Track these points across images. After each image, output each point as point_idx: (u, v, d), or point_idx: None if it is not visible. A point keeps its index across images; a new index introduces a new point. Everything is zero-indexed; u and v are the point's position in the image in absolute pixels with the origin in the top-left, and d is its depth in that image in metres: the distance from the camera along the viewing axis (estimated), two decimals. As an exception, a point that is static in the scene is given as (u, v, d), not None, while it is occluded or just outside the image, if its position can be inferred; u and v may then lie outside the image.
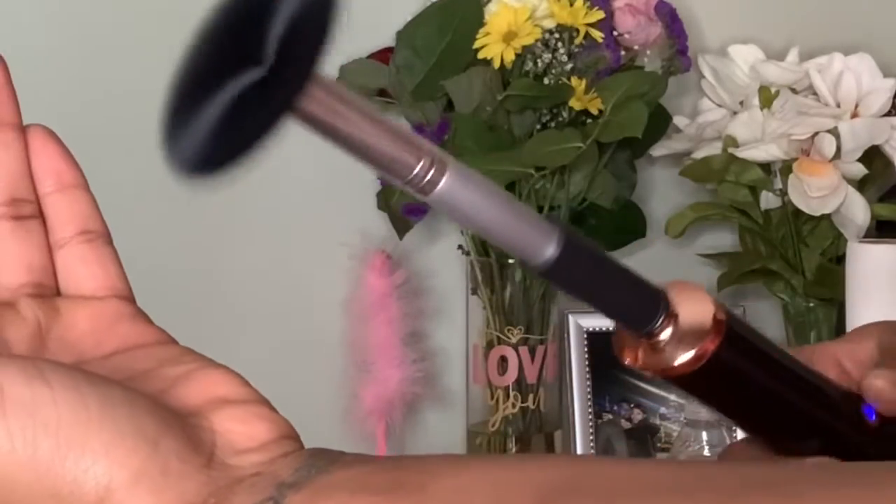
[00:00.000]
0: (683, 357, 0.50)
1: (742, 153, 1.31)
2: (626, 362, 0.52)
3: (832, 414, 0.54)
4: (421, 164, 0.44)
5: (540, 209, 1.31)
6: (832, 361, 0.56)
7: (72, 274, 0.48)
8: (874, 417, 0.55)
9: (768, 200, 1.35)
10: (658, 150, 1.40)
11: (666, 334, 0.51)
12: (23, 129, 0.48)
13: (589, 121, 1.28)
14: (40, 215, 0.48)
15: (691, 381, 0.51)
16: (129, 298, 0.50)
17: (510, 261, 1.32)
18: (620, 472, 0.40)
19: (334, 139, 0.45)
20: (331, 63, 1.35)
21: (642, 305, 0.51)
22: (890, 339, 0.58)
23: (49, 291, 0.48)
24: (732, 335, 0.51)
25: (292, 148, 1.44)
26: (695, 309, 0.51)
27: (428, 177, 0.44)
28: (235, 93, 0.39)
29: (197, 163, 0.39)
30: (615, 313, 0.51)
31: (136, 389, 0.41)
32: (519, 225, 0.46)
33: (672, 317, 0.51)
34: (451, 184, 0.45)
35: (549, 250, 0.47)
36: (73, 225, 0.48)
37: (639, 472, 0.39)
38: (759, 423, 0.55)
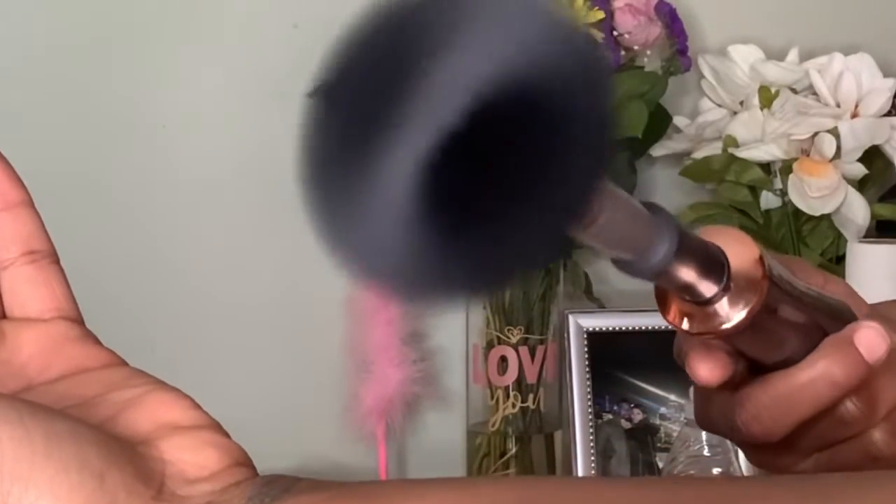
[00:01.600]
0: (738, 315, 0.50)
1: (742, 153, 1.31)
2: (677, 325, 0.51)
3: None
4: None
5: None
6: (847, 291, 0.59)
7: (17, 295, 0.47)
8: None
9: (768, 200, 1.35)
10: (658, 150, 1.40)
11: (722, 299, 0.50)
12: None
13: (589, 121, 1.28)
14: None
15: (736, 336, 0.51)
16: (77, 319, 0.48)
17: (510, 261, 1.32)
18: (576, 494, 0.39)
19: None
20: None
21: (713, 276, 0.50)
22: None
23: None
24: (773, 283, 0.51)
25: (292, 148, 1.44)
26: (743, 262, 0.51)
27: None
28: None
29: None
30: (691, 289, 0.50)
31: (83, 419, 0.39)
32: (643, 221, 0.45)
33: (729, 281, 0.50)
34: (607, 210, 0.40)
35: (658, 254, 0.46)
36: (18, 245, 0.47)
37: (595, 494, 0.38)
38: (789, 358, 0.55)
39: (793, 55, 1.39)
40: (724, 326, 0.50)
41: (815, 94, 1.35)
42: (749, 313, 0.50)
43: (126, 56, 1.35)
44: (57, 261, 0.48)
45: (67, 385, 0.44)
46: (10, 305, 0.47)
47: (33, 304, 0.47)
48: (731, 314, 0.50)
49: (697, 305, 0.50)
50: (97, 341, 0.47)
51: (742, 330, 0.50)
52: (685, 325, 0.51)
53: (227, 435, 0.42)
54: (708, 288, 0.49)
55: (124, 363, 0.47)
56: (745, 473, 1.28)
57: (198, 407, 0.43)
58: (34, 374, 0.45)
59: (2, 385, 0.44)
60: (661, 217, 0.45)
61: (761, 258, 0.51)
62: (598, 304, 1.40)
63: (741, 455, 1.30)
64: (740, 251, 0.51)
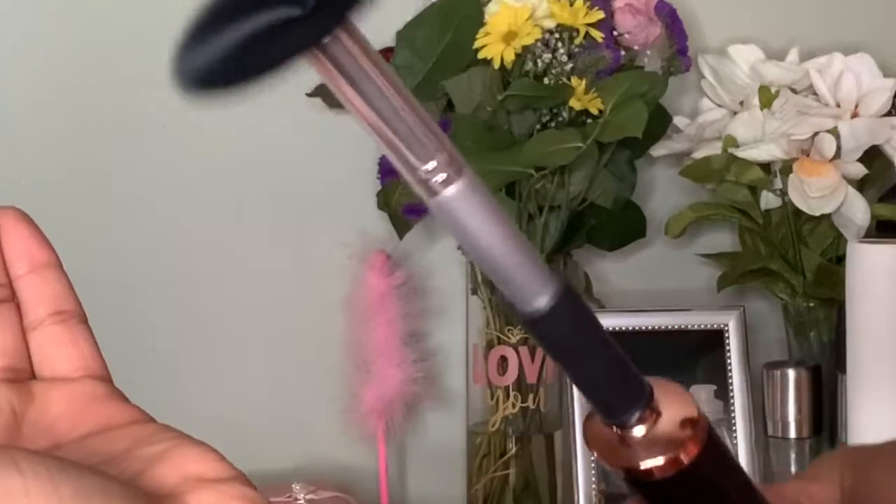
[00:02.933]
0: (654, 461, 0.47)
1: (742, 153, 1.31)
2: (591, 450, 0.48)
3: None
4: (439, 158, 0.41)
5: (540, 209, 1.31)
6: (792, 502, 0.54)
7: (46, 356, 0.47)
8: None
9: (768, 200, 1.35)
10: (658, 150, 1.40)
11: (640, 431, 0.47)
12: None
13: (589, 121, 1.28)
14: (13, 298, 0.47)
15: (652, 486, 0.47)
16: (105, 378, 0.49)
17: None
18: None
19: (352, 99, 0.40)
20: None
21: (626, 390, 0.47)
22: (852, 477, 0.56)
23: (23, 375, 0.47)
24: (710, 450, 0.47)
25: (292, 148, 1.45)
26: (678, 412, 0.47)
27: (442, 175, 0.41)
28: (266, 21, 0.36)
29: (205, 76, 0.37)
30: (595, 389, 0.47)
31: (111, 475, 0.40)
32: (519, 260, 0.43)
33: (654, 414, 0.47)
34: (464, 191, 0.41)
35: (542, 299, 0.43)
36: (46, 306, 0.47)
37: None
38: None
39: (793, 55, 1.39)
40: (634, 465, 0.47)
41: (815, 94, 1.35)
42: (668, 464, 0.46)
43: (126, 56, 1.35)
44: (85, 320, 0.48)
45: (96, 442, 0.45)
46: (39, 366, 0.47)
47: (62, 363, 0.47)
48: (645, 457, 0.47)
49: (614, 432, 0.47)
50: (124, 398, 0.48)
51: (655, 481, 0.47)
52: (592, 447, 0.48)
53: (252, 486, 0.43)
54: (616, 405, 0.47)
55: (151, 419, 0.47)
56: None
57: (223, 459, 0.43)
58: (63, 432, 0.46)
59: (31, 444, 0.44)
60: (553, 271, 0.44)
61: (699, 418, 0.47)
62: (598, 304, 1.40)
63: (742, 455, 1.30)
64: (685, 402, 0.48)
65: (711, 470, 0.48)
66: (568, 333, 0.45)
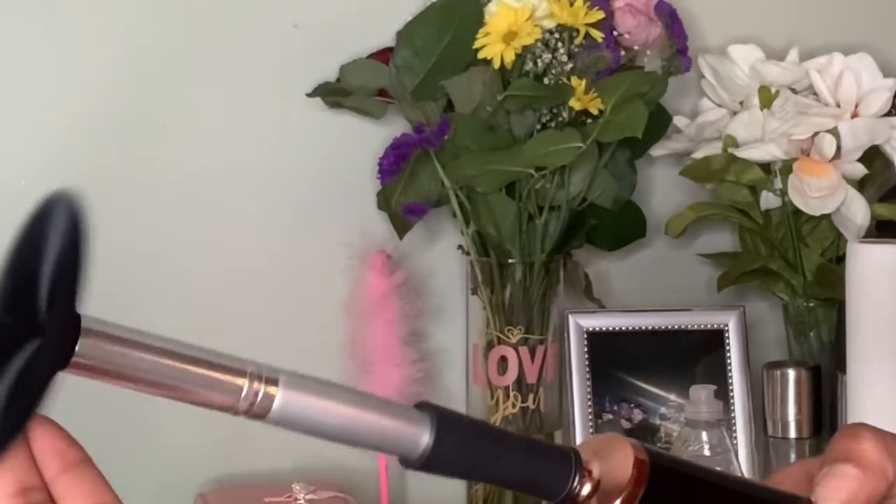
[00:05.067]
0: None
1: (742, 153, 1.31)
2: None
3: None
4: (244, 383, 0.41)
5: (540, 209, 1.31)
6: (804, 477, 0.54)
7: None
8: None
9: (768, 200, 1.35)
10: (658, 150, 1.40)
11: (586, 492, 0.47)
12: None
13: (589, 121, 1.28)
14: (50, 499, 0.48)
15: None
16: None
17: (510, 261, 1.32)
18: None
19: (134, 384, 0.43)
20: (331, 63, 1.35)
21: (549, 471, 0.47)
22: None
23: None
24: (660, 474, 0.47)
25: (292, 148, 1.45)
26: (613, 457, 0.48)
27: (259, 394, 0.41)
28: (20, 367, 0.40)
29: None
30: (521, 487, 0.47)
31: None
32: (380, 418, 0.43)
33: (588, 473, 0.47)
34: (289, 393, 0.41)
35: (423, 437, 0.43)
36: (82, 502, 0.48)
37: None
38: None
39: (793, 55, 1.39)
40: None
41: (815, 94, 1.35)
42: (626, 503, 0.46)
43: (125, 56, 1.35)
44: None
45: None
46: None
47: None
48: None
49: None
50: None
51: None
52: None
53: None
54: (552, 485, 0.47)
55: None
56: (746, 474, 1.28)
57: None
58: None
59: None
60: (418, 405, 0.44)
61: (640, 451, 0.48)
62: (598, 304, 1.40)
63: (742, 455, 1.30)
64: (616, 445, 0.48)
65: (673, 486, 0.48)
66: (467, 450, 0.45)
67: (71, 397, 1.52)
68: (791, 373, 1.36)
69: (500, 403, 1.32)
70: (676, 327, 1.35)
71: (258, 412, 0.42)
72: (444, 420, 0.44)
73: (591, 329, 1.35)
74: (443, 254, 1.42)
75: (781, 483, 0.55)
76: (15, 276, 0.43)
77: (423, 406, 0.44)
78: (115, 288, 1.34)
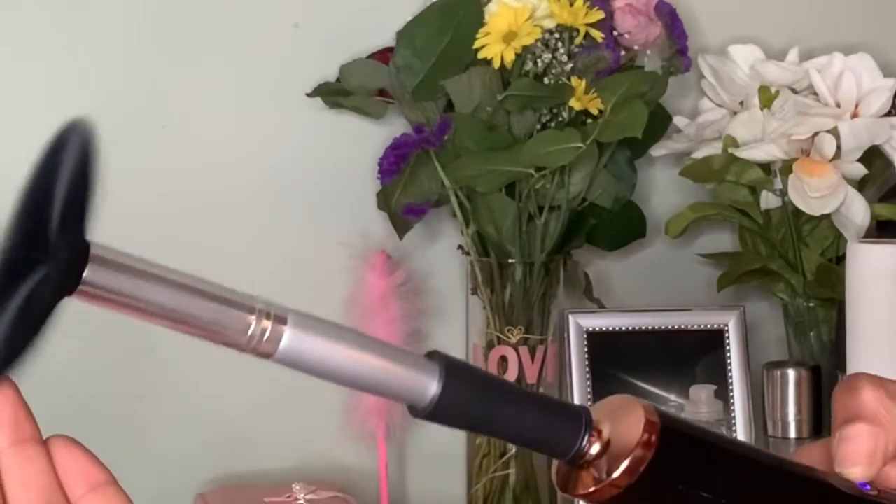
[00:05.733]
0: (618, 471, 0.46)
1: (742, 153, 1.31)
2: (566, 492, 0.47)
3: (809, 498, 0.50)
4: (252, 320, 0.41)
5: (540, 209, 1.31)
6: (826, 457, 0.53)
7: None
8: (868, 487, 0.51)
9: (768, 200, 1.35)
10: (658, 150, 1.40)
11: (594, 451, 0.46)
12: (43, 442, 0.48)
13: (589, 121, 1.28)
14: None
15: (637, 496, 0.46)
16: None
17: (510, 261, 1.32)
18: None
19: (143, 313, 0.43)
20: (331, 63, 1.35)
21: (557, 428, 0.46)
22: None
23: None
24: (671, 437, 0.46)
25: (292, 148, 1.45)
26: (623, 418, 0.47)
27: (266, 332, 0.41)
28: (26, 293, 0.41)
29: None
30: (528, 442, 0.46)
31: None
32: (389, 364, 0.43)
33: (597, 432, 0.46)
34: (297, 333, 0.41)
35: (431, 386, 0.43)
36: None
37: None
38: None
39: (793, 55, 1.39)
40: (610, 484, 0.46)
41: (815, 94, 1.35)
42: (631, 468, 0.45)
43: (125, 55, 1.35)
44: None
45: None
46: None
47: None
48: (611, 470, 0.46)
49: (578, 467, 0.46)
50: None
51: (635, 490, 0.46)
52: (563, 488, 0.47)
53: None
54: (561, 442, 0.46)
55: None
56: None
57: None
58: None
59: None
60: (428, 354, 0.44)
61: (650, 412, 0.46)
62: (598, 304, 1.40)
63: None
64: (626, 404, 0.47)
65: (684, 451, 0.47)
66: (476, 401, 0.44)
67: (71, 397, 1.52)
68: (791, 373, 1.36)
69: (500, 403, 1.32)
70: (676, 327, 1.35)
71: (266, 350, 0.42)
72: (453, 370, 0.43)
73: (591, 329, 1.35)
74: (443, 254, 1.42)
75: (802, 458, 0.53)
76: (29, 210, 0.43)
77: (433, 355, 0.44)
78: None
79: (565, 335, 1.34)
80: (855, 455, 0.51)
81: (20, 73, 1.34)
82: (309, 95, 1.35)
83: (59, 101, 1.34)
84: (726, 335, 1.35)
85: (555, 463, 0.48)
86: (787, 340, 1.41)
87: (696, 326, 1.36)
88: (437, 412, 0.44)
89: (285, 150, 1.40)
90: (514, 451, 1.33)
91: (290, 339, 0.41)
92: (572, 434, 0.46)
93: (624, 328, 1.35)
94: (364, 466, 1.38)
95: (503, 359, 1.32)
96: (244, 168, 1.39)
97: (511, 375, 1.32)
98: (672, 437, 0.46)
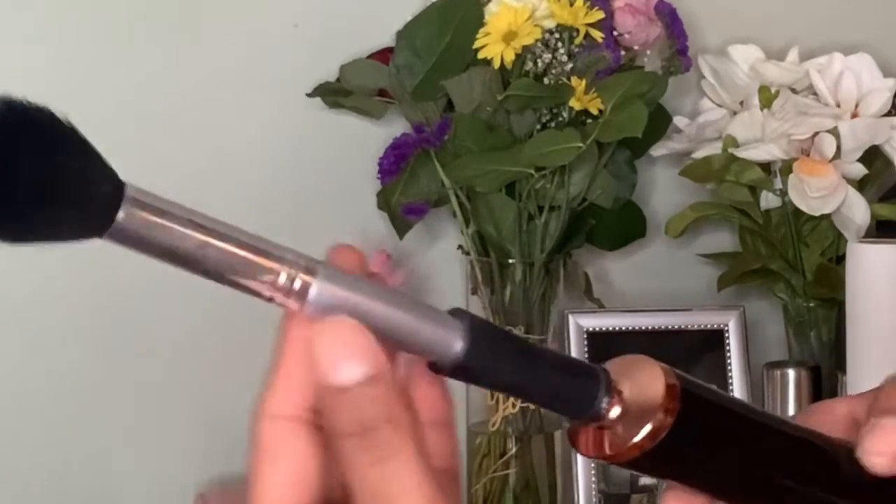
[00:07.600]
0: (639, 435, 0.45)
1: (742, 153, 1.31)
2: (582, 452, 0.47)
3: (826, 470, 0.50)
4: (284, 270, 0.41)
5: (540, 209, 1.31)
6: (847, 417, 0.52)
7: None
8: None
9: (768, 200, 1.35)
10: (658, 150, 1.40)
11: (615, 412, 0.46)
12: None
13: (589, 121, 1.28)
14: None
15: (656, 460, 0.46)
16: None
17: (510, 261, 1.32)
18: None
19: (176, 260, 0.44)
20: (331, 63, 1.35)
21: (577, 388, 0.46)
22: None
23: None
24: (691, 401, 0.46)
25: (291, 148, 1.45)
26: (642, 380, 0.47)
27: (297, 283, 0.41)
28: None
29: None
30: (547, 401, 0.46)
31: None
32: (414, 318, 0.43)
33: (617, 394, 0.46)
34: (327, 285, 0.41)
35: (456, 342, 0.43)
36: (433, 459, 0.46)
37: None
38: (744, 491, 0.49)
39: (793, 55, 1.39)
40: (629, 448, 0.45)
41: (815, 94, 1.35)
42: (653, 432, 0.45)
43: (125, 55, 1.35)
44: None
45: None
46: None
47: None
48: (634, 433, 0.45)
49: (595, 428, 0.46)
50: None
51: (654, 454, 0.45)
52: (581, 449, 0.47)
53: None
54: (579, 402, 0.46)
55: None
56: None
57: None
58: None
59: None
60: (454, 310, 0.44)
61: (671, 375, 0.46)
62: (598, 304, 1.40)
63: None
64: (646, 367, 0.47)
65: (704, 415, 0.47)
66: (499, 359, 0.44)
67: (71, 397, 1.52)
68: (791, 373, 1.36)
69: (500, 403, 1.32)
70: (676, 327, 1.35)
71: (294, 301, 0.42)
72: (477, 328, 0.43)
73: (591, 329, 1.35)
74: (443, 254, 1.42)
75: (824, 414, 0.53)
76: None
77: (457, 312, 0.44)
78: (114, 288, 1.34)
79: (565, 335, 1.34)
80: (886, 448, 0.50)
81: (19, 72, 1.34)
82: (309, 95, 1.35)
83: (58, 100, 1.34)
84: (726, 335, 1.35)
85: (575, 433, 0.48)
86: (787, 340, 1.41)
87: (696, 326, 1.36)
88: (460, 370, 0.44)
89: (285, 150, 1.40)
90: (514, 450, 1.33)
91: (318, 290, 0.42)
92: (592, 394, 0.46)
93: (624, 328, 1.35)
94: (364, 466, 1.37)
95: (503, 359, 1.32)
96: (244, 168, 1.39)
97: (511, 375, 1.32)
98: (692, 400, 0.46)
